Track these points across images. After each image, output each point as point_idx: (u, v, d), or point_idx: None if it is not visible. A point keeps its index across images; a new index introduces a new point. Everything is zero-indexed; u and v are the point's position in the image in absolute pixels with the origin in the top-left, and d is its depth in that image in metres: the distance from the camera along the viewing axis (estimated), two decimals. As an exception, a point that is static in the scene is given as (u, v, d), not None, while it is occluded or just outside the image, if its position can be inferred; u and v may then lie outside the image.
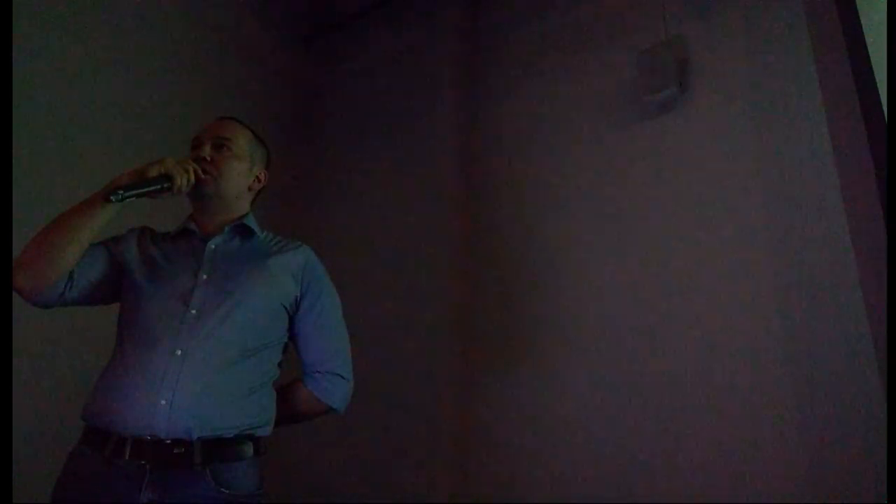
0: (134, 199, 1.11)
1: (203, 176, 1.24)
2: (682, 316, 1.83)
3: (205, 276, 1.21)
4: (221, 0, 2.70)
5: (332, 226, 2.74)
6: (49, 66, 2.02)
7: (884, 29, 1.39)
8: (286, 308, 1.28)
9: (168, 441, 1.07)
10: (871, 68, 1.49)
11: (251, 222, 1.34)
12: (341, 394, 1.33)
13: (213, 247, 1.27)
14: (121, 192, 1.09)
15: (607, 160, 2.12)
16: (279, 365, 1.30)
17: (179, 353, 1.12)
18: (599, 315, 1.98)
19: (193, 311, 1.16)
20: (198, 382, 1.11)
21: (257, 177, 1.38)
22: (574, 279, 2.08)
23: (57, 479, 1.12)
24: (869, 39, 1.51)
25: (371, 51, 2.94)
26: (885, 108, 1.41)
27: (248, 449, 1.16)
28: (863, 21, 1.55)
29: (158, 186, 1.14)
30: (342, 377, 1.33)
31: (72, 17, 2.11)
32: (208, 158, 1.27)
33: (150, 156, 1.21)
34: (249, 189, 1.36)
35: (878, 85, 1.45)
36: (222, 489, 1.09)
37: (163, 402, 1.08)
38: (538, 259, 2.19)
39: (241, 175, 1.32)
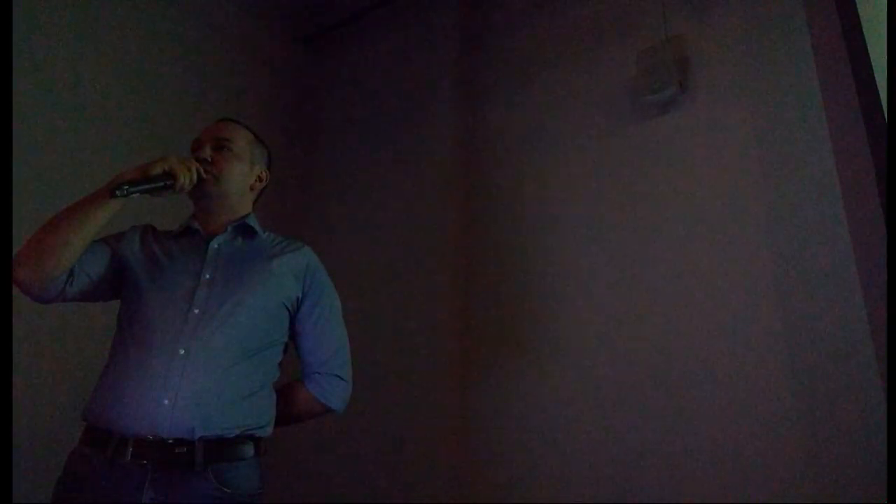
0: (137, 195, 1.12)
1: (205, 176, 1.24)
2: (681, 315, 1.83)
3: (207, 276, 1.22)
4: (221, 0, 2.70)
5: (331, 226, 2.74)
6: (48, 66, 2.02)
7: (884, 29, 1.39)
8: (287, 308, 1.28)
9: (170, 441, 1.07)
10: (871, 68, 1.49)
11: (253, 222, 1.34)
12: (340, 395, 1.34)
13: (216, 246, 1.27)
14: (125, 188, 1.09)
15: (607, 160, 2.12)
16: (279, 365, 1.30)
17: (183, 352, 1.12)
18: (599, 314, 1.98)
19: (196, 311, 1.17)
20: (201, 382, 1.11)
21: (258, 176, 1.38)
22: (574, 278, 2.08)
23: (57, 479, 1.12)
24: (869, 39, 1.51)
25: (371, 51, 2.94)
26: (885, 108, 1.41)
27: (249, 449, 1.16)
28: (863, 21, 1.55)
29: (161, 184, 1.14)
30: (341, 378, 1.34)
31: (71, 17, 2.11)
32: (209, 159, 1.27)
33: (149, 155, 1.21)
34: (251, 189, 1.37)
35: (878, 85, 1.45)
36: (224, 489, 1.10)
37: (166, 401, 1.09)
38: (538, 259, 2.18)
39: (241, 175, 1.33)
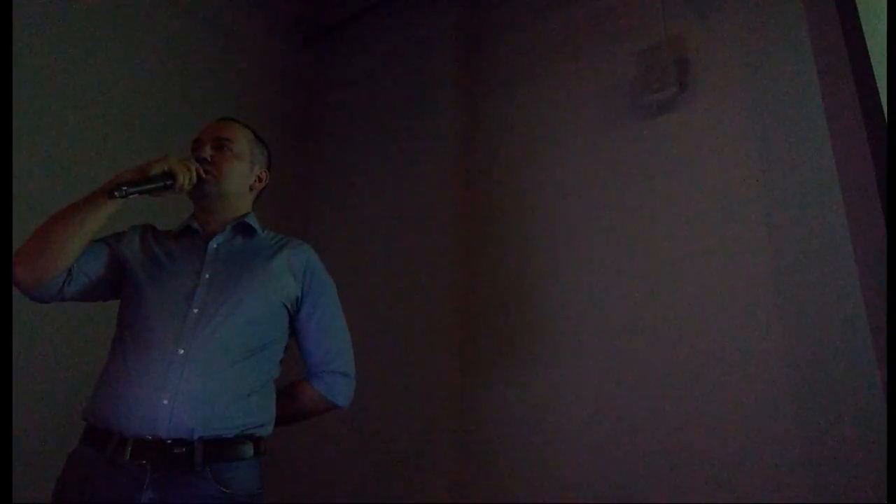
0: (136, 196, 1.12)
1: (204, 176, 1.24)
2: (681, 316, 1.83)
3: (207, 276, 1.22)
4: (222, 0, 2.70)
5: (331, 226, 2.74)
6: (48, 66, 2.02)
7: (884, 29, 1.39)
8: (287, 308, 1.28)
9: (169, 441, 1.07)
10: (871, 68, 1.49)
11: (252, 221, 1.34)
12: (346, 392, 1.35)
13: (215, 246, 1.27)
14: (124, 188, 1.09)
15: (607, 160, 2.12)
16: (279, 364, 1.30)
17: (182, 352, 1.13)
18: (599, 315, 1.98)
19: (196, 311, 1.17)
20: (200, 382, 1.12)
21: (258, 176, 1.38)
22: (573, 279, 2.08)
23: (57, 479, 1.12)
24: (869, 40, 1.51)
25: (371, 51, 2.94)
26: (885, 108, 1.41)
27: (249, 449, 1.16)
28: (863, 21, 1.55)
29: (161, 184, 1.14)
30: (346, 375, 1.34)
31: (71, 17, 2.11)
32: (209, 159, 1.27)
33: (148, 155, 1.21)
34: (251, 189, 1.37)
35: (878, 85, 1.45)
36: (223, 489, 1.09)
37: (165, 401, 1.09)
38: (538, 259, 2.18)
39: (241, 175, 1.33)
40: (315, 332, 1.32)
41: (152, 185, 1.13)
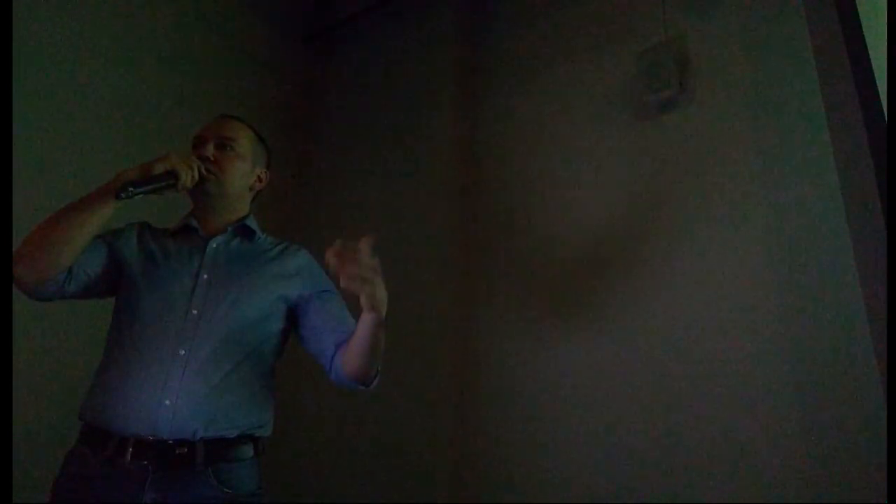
0: (141, 196, 1.12)
1: (206, 175, 1.24)
2: (681, 316, 1.83)
3: (205, 276, 1.21)
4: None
5: (331, 225, 2.74)
6: (48, 64, 2.02)
7: (884, 29, 1.39)
8: (286, 309, 1.28)
9: (171, 441, 1.07)
10: (871, 68, 1.49)
11: (252, 223, 1.34)
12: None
13: (214, 246, 1.27)
14: (130, 189, 1.09)
15: (607, 160, 2.12)
16: (274, 366, 1.30)
17: (183, 352, 1.13)
18: (599, 315, 1.98)
19: (195, 312, 1.17)
20: (201, 383, 1.12)
21: (259, 176, 1.38)
22: (573, 278, 2.08)
23: (55, 478, 1.12)
24: (869, 40, 1.51)
25: (371, 50, 2.94)
26: (885, 108, 1.41)
27: (249, 449, 1.16)
28: (863, 21, 1.55)
29: (164, 183, 1.14)
30: None
31: (71, 15, 2.11)
32: (211, 157, 1.26)
33: (149, 154, 1.21)
34: (251, 189, 1.37)
35: (878, 85, 1.45)
36: (224, 489, 1.10)
37: (167, 402, 1.09)
38: (538, 259, 2.18)
39: (243, 175, 1.32)
40: (332, 312, 1.28)
41: (156, 185, 1.13)
